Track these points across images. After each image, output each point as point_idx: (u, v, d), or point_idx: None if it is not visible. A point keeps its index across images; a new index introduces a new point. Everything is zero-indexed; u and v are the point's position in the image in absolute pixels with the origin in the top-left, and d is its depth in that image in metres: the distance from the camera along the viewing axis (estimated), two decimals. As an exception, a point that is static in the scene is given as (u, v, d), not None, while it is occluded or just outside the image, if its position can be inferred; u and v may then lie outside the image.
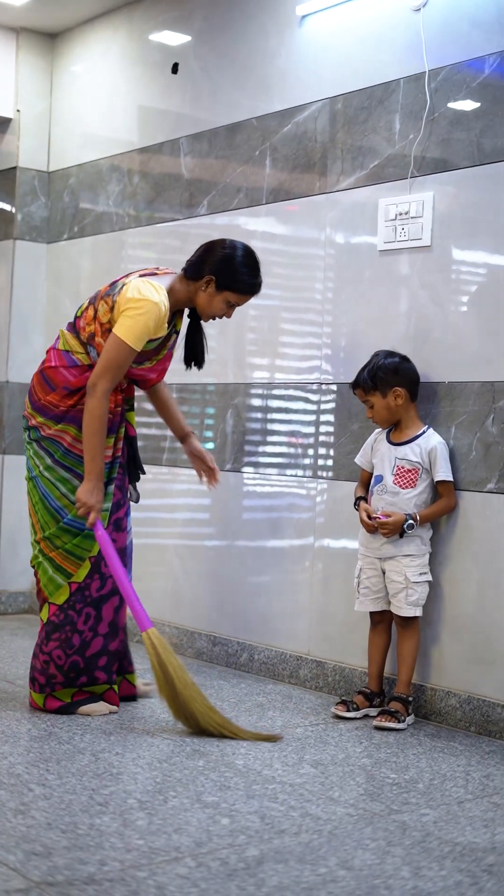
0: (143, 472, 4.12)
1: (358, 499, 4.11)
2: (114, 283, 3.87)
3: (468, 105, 3.99)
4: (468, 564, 3.97)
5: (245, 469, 4.81)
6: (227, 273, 3.84)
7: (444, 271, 4.08)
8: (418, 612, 3.96)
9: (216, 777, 3.26)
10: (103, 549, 3.80)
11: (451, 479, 3.95)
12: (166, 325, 3.81)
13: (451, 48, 4.04)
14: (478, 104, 3.96)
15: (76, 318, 3.95)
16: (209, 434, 5.01)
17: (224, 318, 3.97)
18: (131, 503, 4.08)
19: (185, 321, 4.04)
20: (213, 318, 3.96)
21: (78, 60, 5.86)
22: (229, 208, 4.92)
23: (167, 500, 5.22)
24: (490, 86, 3.92)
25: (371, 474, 4.10)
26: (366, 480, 4.14)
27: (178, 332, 4.01)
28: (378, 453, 4.07)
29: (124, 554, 4.02)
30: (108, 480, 3.91)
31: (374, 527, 3.96)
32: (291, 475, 4.53)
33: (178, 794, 3.09)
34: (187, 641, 4.99)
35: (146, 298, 3.72)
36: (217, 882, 2.50)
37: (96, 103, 5.74)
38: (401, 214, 4.18)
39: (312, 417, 4.51)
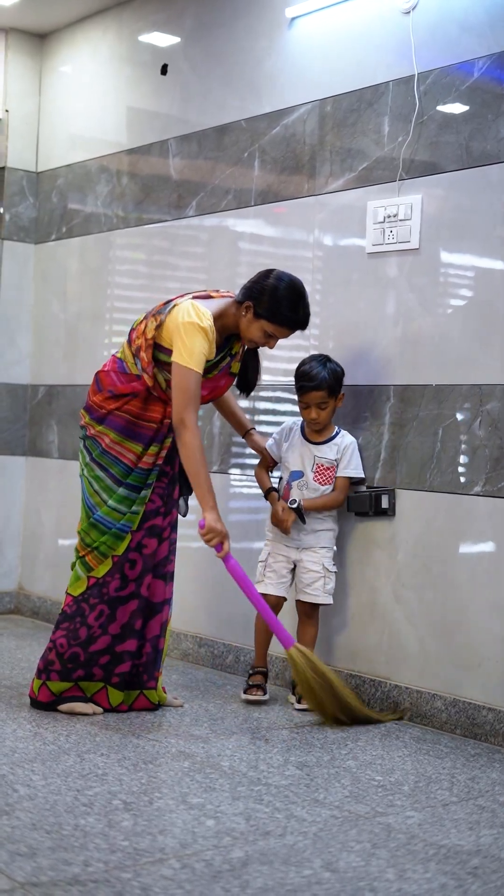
0: (184, 514, 4.14)
1: (270, 490, 4.29)
2: (168, 302, 3.94)
3: (457, 108, 3.99)
4: (455, 567, 3.97)
5: (232, 470, 4.80)
6: (264, 302, 3.87)
7: (433, 274, 4.08)
8: (331, 601, 4.21)
9: (201, 778, 3.26)
10: (235, 577, 3.86)
11: (363, 475, 4.22)
12: (215, 348, 3.86)
13: (441, 51, 4.05)
14: (467, 107, 3.96)
15: (131, 329, 4.03)
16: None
17: (267, 347, 3.99)
18: (179, 516, 4.12)
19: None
20: (256, 346, 3.99)
21: (67, 61, 5.86)
22: (218, 210, 4.92)
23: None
24: (479, 89, 3.92)
25: (274, 462, 4.34)
26: (266, 467, 4.35)
27: (233, 355, 4.04)
28: (294, 449, 4.28)
29: (156, 561, 4.00)
30: (145, 486, 3.94)
31: (288, 528, 4.18)
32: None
33: (163, 796, 3.08)
34: (173, 643, 4.98)
35: (193, 322, 3.77)
36: (202, 883, 2.49)
37: (85, 104, 5.73)
38: (389, 217, 4.19)
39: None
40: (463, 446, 3.93)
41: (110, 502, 3.94)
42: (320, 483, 4.21)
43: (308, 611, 4.25)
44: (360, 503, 4.15)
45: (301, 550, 4.22)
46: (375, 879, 2.57)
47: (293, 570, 4.25)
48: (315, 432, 4.26)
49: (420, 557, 4.07)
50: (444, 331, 4.04)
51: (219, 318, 3.88)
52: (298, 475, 4.24)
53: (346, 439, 4.24)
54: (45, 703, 3.93)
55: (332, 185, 4.42)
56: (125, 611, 3.94)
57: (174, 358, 3.80)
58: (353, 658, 4.27)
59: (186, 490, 4.08)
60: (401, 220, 4.15)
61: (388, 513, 4.14)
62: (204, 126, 5.00)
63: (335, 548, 4.25)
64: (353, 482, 4.23)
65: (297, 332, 3.99)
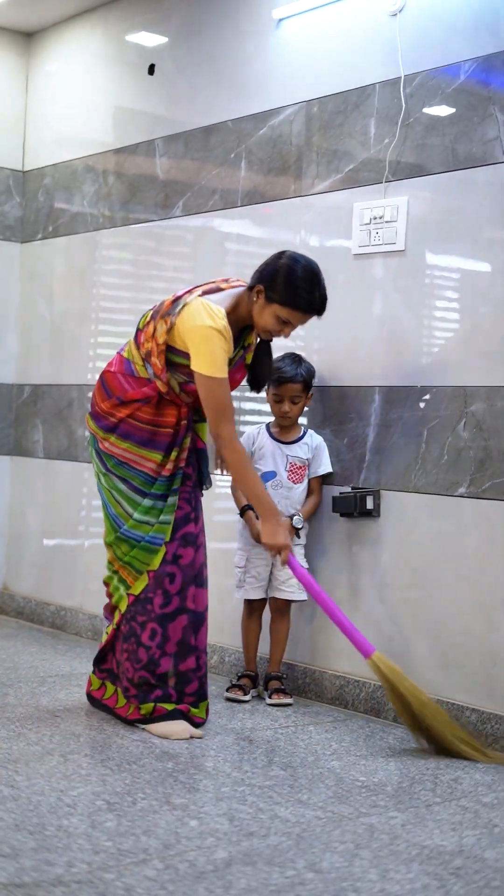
0: (209, 486, 3.95)
1: (246, 508, 4.29)
2: (176, 301, 3.66)
3: (443, 110, 4.00)
4: (439, 568, 3.98)
5: (214, 472, 4.80)
6: (277, 285, 3.59)
7: (418, 276, 4.09)
8: (306, 597, 4.21)
9: (185, 779, 3.26)
10: (304, 583, 3.75)
11: (331, 469, 4.31)
12: (233, 344, 3.62)
13: (427, 53, 4.06)
14: (453, 110, 3.97)
15: (138, 329, 3.78)
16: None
17: (283, 336, 3.72)
18: None
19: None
20: (270, 335, 3.72)
21: (54, 60, 5.85)
22: (204, 210, 4.92)
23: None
24: (465, 91, 3.93)
25: None
26: None
27: (246, 347, 3.81)
28: (264, 450, 4.33)
29: (196, 570, 3.80)
30: (171, 492, 3.75)
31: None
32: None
33: (146, 796, 3.08)
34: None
35: (206, 325, 3.53)
36: (185, 884, 2.49)
37: (72, 103, 5.72)
38: (375, 219, 4.19)
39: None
40: (448, 448, 3.94)
41: (136, 515, 3.74)
42: (294, 482, 4.29)
43: (282, 607, 4.32)
44: (345, 504, 4.16)
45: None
46: (358, 880, 2.58)
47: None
48: (284, 431, 4.33)
49: (404, 558, 4.08)
50: (429, 332, 4.05)
51: (231, 311, 3.63)
52: (272, 475, 4.29)
53: (315, 439, 4.33)
54: (137, 720, 3.76)
55: (319, 186, 4.43)
56: (176, 628, 3.74)
57: (195, 367, 3.55)
58: (336, 658, 4.27)
59: (205, 462, 3.90)
60: (387, 222, 4.16)
61: (373, 514, 4.14)
62: (191, 126, 5.00)
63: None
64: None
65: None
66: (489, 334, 3.86)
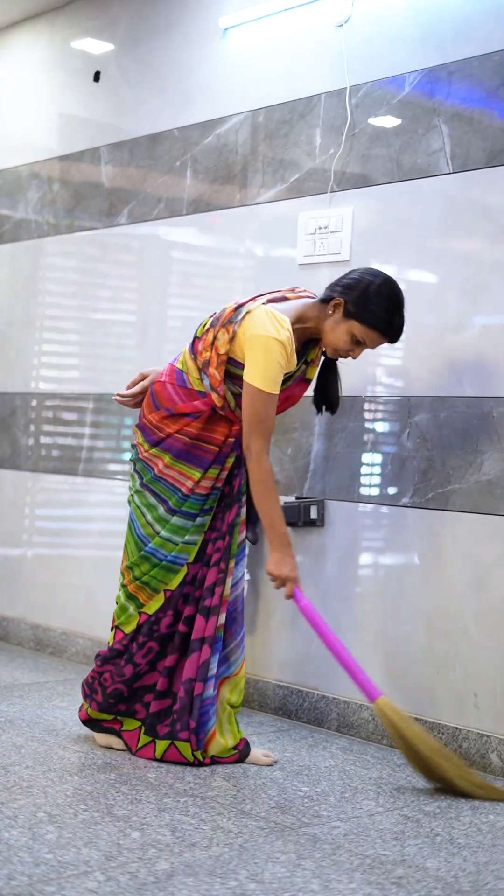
0: (254, 539, 3.81)
1: None
2: (238, 308, 3.46)
3: (388, 121, 4.02)
4: (381, 577, 3.99)
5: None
6: (356, 298, 3.40)
7: (363, 286, 4.10)
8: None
9: (127, 790, 3.24)
10: (309, 619, 3.45)
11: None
12: (295, 359, 3.41)
13: (373, 64, 4.08)
14: (398, 121, 3.99)
15: (196, 337, 3.56)
16: (126, 445, 4.98)
17: (350, 357, 3.53)
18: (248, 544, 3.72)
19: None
20: (338, 355, 3.52)
21: (-1, 66, 5.82)
22: (149, 218, 4.91)
23: (83, 510, 5.18)
24: (410, 103, 3.95)
25: None
26: None
27: (309, 363, 3.61)
28: None
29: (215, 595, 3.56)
30: (201, 512, 3.53)
31: None
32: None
33: (88, 808, 3.06)
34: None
35: (268, 336, 3.32)
36: (126, 896, 2.48)
37: (16, 109, 5.69)
38: (320, 228, 4.20)
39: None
40: (392, 457, 3.96)
41: (163, 533, 3.54)
42: None
43: None
44: (290, 513, 4.15)
45: None
46: (300, 890, 2.57)
47: None
48: None
49: (348, 568, 4.09)
50: (373, 342, 4.06)
51: (297, 322, 3.44)
52: None
53: None
54: (83, 721, 3.68)
55: (264, 195, 4.43)
56: (174, 647, 3.57)
57: (246, 377, 3.36)
58: (280, 669, 4.27)
59: (255, 514, 3.67)
60: (332, 232, 4.17)
61: (317, 523, 4.14)
62: (136, 134, 4.99)
63: None
64: None
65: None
66: (433, 345, 3.88)
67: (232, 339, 3.40)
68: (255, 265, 4.49)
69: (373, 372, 4.04)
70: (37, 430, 5.43)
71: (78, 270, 5.31)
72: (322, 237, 4.20)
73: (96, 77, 5.22)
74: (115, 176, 5.09)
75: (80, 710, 3.73)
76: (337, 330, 3.43)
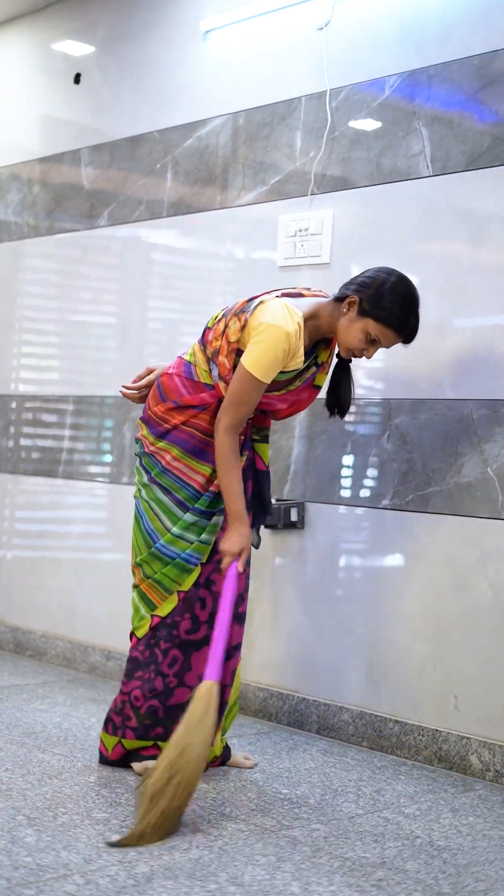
0: (270, 514, 3.61)
1: None
2: (252, 299, 3.39)
3: (368, 124, 4.03)
4: (361, 580, 4.00)
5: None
6: (371, 296, 3.31)
7: (343, 288, 4.10)
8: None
9: (107, 793, 3.23)
10: (225, 586, 3.26)
11: None
12: (302, 356, 3.33)
13: (353, 68, 4.08)
14: (378, 124, 4.00)
15: (206, 328, 3.48)
16: (107, 447, 4.97)
17: (364, 357, 3.41)
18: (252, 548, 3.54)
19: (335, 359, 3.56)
20: (352, 355, 3.40)
21: (-21, 67, 5.80)
22: (130, 220, 4.90)
23: (62, 512, 5.17)
24: (390, 106, 3.96)
25: None
26: None
27: (319, 365, 3.49)
28: None
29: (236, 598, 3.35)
30: (217, 511, 3.43)
31: None
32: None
33: (67, 811, 3.05)
34: (81, 655, 4.94)
35: (275, 324, 3.24)
36: (105, 899, 2.47)
37: (-3, 111, 5.68)
38: (301, 231, 4.21)
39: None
40: (372, 460, 3.96)
41: (174, 529, 3.42)
42: None
43: None
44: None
45: None
46: (280, 893, 2.57)
47: None
48: None
49: (329, 570, 4.09)
50: (354, 345, 4.06)
51: (310, 318, 3.35)
52: None
53: None
54: (116, 761, 3.48)
55: (245, 197, 4.43)
56: (199, 657, 3.41)
57: (243, 359, 3.28)
58: (260, 671, 4.27)
59: (259, 516, 3.59)
60: (312, 235, 4.17)
61: (297, 525, 4.15)
62: (117, 136, 4.99)
63: None
64: None
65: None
66: (413, 347, 3.88)
67: (243, 328, 3.32)
68: (236, 267, 4.49)
69: (353, 374, 4.04)
70: (16, 432, 5.42)
71: (58, 272, 5.30)
72: (302, 240, 4.20)
73: (77, 79, 5.21)
74: (95, 178, 5.08)
75: (109, 750, 3.50)
76: (351, 328, 3.34)
